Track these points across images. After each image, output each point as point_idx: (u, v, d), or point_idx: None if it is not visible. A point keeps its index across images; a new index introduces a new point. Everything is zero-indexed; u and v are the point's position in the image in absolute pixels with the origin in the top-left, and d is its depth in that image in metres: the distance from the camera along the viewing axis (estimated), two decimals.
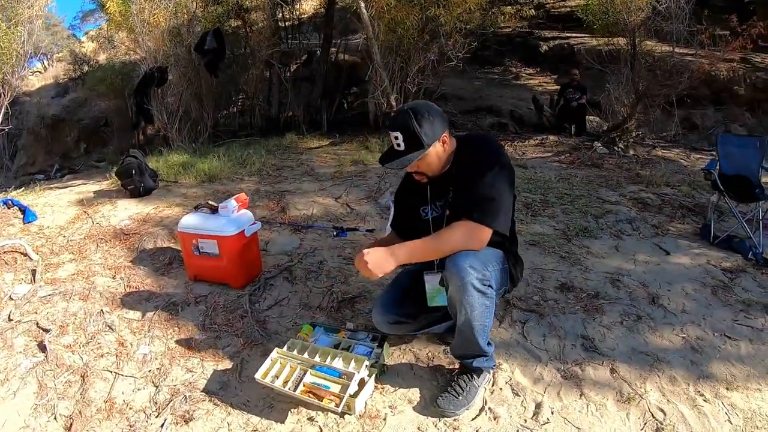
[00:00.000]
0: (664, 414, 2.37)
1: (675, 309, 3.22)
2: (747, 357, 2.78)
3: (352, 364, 2.44)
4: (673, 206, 5.10)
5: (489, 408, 2.37)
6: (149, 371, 2.64)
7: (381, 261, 2.05)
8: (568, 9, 14.37)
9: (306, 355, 2.51)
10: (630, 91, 7.76)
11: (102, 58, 16.35)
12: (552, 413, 2.36)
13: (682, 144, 8.56)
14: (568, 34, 14.13)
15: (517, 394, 2.47)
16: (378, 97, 7.83)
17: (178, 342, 2.89)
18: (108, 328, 2.99)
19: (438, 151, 2.16)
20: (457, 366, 2.52)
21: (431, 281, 2.28)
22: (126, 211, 4.78)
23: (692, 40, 7.63)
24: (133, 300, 3.32)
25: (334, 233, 4.16)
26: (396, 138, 2.10)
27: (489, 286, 2.08)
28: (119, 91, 11.20)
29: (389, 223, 3.53)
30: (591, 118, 9.48)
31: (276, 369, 2.44)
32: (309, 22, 12.20)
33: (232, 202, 3.33)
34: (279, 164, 6.54)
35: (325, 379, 2.39)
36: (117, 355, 2.76)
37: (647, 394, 2.49)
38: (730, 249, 4.08)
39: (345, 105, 10.52)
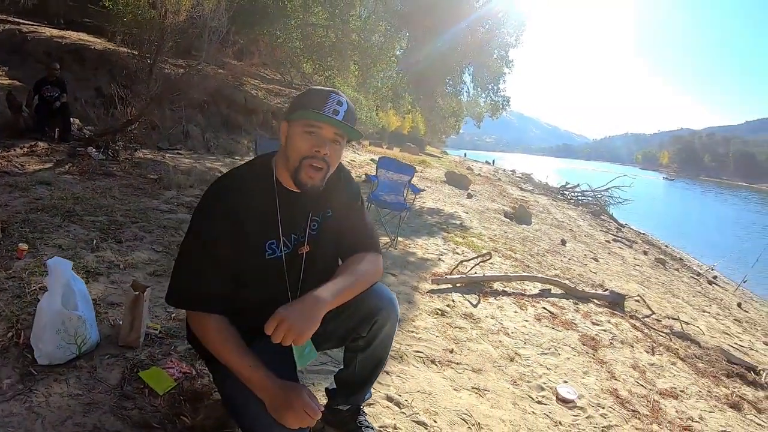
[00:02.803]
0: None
1: None
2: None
3: None
4: None
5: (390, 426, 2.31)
6: None
7: (308, 317, 1.48)
8: None
9: None
10: (139, 95, 7.39)
11: None
12: (400, 395, 2.56)
13: (148, 145, 8.68)
14: (20, 20, 11.61)
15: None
16: None
17: None
18: None
19: None
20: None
21: None
22: None
23: (222, 53, 7.90)
24: None
25: None
26: (339, 104, 1.61)
27: None
28: None
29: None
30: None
31: None
32: None
33: None
34: None
35: None
36: None
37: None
38: None
39: None
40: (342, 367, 2.01)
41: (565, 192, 21.77)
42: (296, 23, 14.87)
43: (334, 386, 2.10)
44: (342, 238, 1.80)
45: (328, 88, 1.65)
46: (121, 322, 2.52)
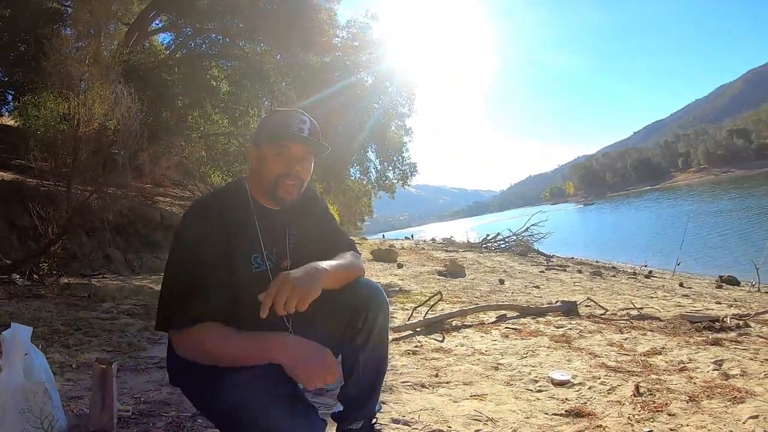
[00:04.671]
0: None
1: None
2: None
3: None
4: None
5: None
6: None
7: (311, 277, 1.53)
8: None
9: None
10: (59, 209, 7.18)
11: None
12: (404, 416, 2.50)
13: (71, 273, 8.27)
14: None
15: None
16: None
17: None
18: None
19: None
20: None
21: None
22: None
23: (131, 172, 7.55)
24: None
25: None
26: (303, 122, 1.74)
27: None
28: None
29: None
30: None
31: None
32: None
33: None
34: None
35: None
36: None
37: None
38: None
39: None
40: (342, 384, 1.95)
41: (488, 244, 22.41)
42: (198, 135, 15.15)
43: (341, 408, 2.01)
44: (321, 247, 1.84)
45: (291, 109, 1.80)
46: (87, 410, 2.31)
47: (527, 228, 21.03)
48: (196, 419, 2.35)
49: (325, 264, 1.62)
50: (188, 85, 14.55)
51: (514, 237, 21.17)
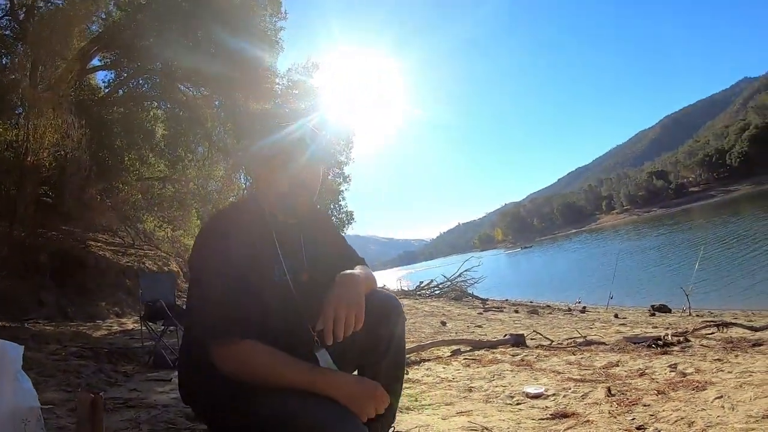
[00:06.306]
0: None
1: None
2: None
3: None
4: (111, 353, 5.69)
5: None
6: None
7: (356, 292, 1.63)
8: None
9: None
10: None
11: None
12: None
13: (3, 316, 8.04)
14: None
15: None
16: None
17: None
18: None
19: None
20: None
21: (325, 357, 1.72)
22: None
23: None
24: None
25: None
26: (305, 132, 1.82)
27: None
28: None
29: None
30: None
31: None
32: None
33: None
34: None
35: None
36: None
37: None
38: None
39: None
40: None
41: (423, 290, 22.71)
42: (134, 177, 14.84)
43: None
44: (338, 262, 1.90)
45: (294, 122, 1.88)
46: None
47: (461, 273, 21.58)
48: None
49: (356, 272, 1.72)
50: (126, 125, 14.38)
51: (449, 282, 21.61)
